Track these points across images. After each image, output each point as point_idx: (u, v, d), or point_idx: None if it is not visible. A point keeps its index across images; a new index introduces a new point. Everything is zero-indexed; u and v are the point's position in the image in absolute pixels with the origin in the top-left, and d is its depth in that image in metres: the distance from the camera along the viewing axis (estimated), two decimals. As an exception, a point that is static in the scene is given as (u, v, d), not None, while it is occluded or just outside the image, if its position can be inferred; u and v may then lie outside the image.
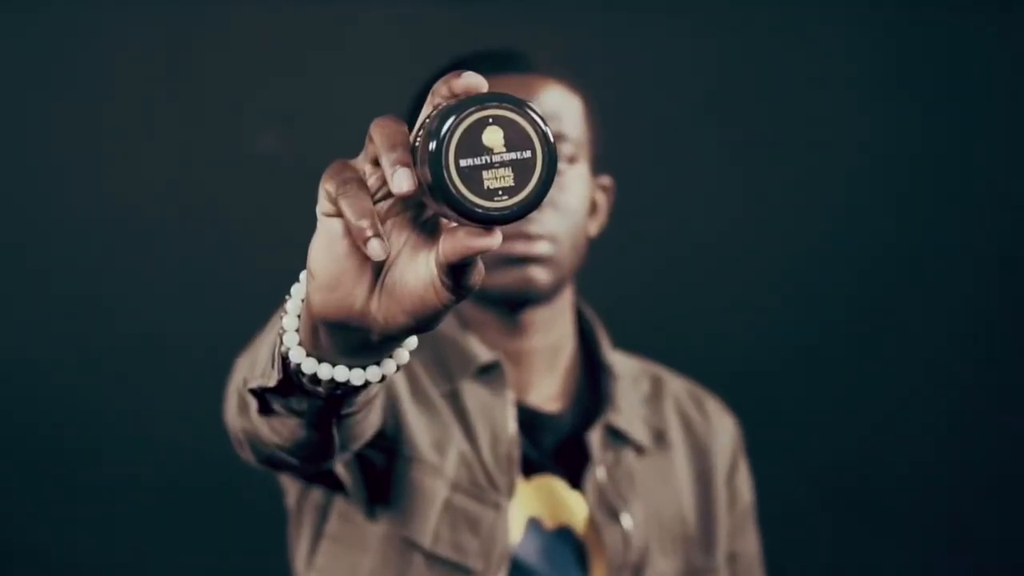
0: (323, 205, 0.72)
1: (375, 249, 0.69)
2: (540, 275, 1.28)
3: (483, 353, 1.32)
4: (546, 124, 0.69)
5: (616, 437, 1.34)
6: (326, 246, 0.72)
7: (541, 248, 1.28)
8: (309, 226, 0.74)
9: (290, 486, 1.30)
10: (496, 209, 0.68)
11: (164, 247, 1.94)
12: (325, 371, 0.78)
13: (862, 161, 2.07)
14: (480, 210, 0.68)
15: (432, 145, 0.68)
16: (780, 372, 2.07)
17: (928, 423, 2.08)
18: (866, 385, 2.08)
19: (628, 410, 1.37)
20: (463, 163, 0.67)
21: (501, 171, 0.68)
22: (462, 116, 0.68)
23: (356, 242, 0.69)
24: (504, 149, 0.68)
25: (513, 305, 1.31)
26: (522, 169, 0.69)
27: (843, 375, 2.07)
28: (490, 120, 0.68)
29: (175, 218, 1.93)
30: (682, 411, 1.42)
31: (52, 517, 1.90)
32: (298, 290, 0.79)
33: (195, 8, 1.94)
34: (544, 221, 1.28)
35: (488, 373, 1.32)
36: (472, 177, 0.68)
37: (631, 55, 2.04)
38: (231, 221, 1.94)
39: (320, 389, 0.80)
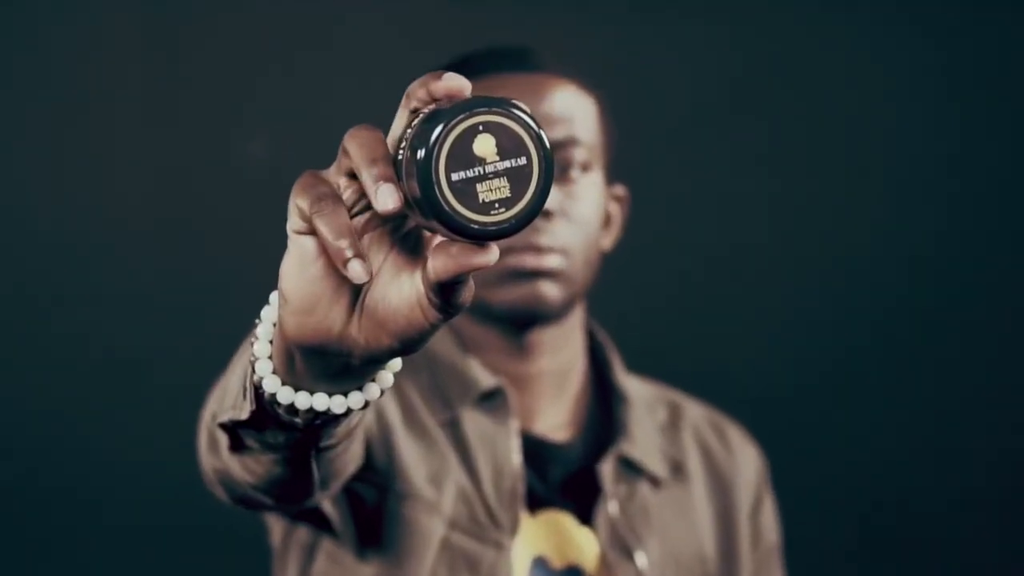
0: (294, 222, 0.72)
1: (356, 271, 0.68)
2: (550, 291, 1.29)
3: (485, 378, 1.32)
4: (540, 127, 0.69)
5: (630, 468, 1.35)
6: (299, 267, 0.72)
7: (552, 262, 1.29)
8: None
9: (274, 524, 1.30)
10: (493, 224, 0.68)
11: (140, 265, 1.94)
12: (303, 400, 0.77)
13: (899, 166, 2.08)
14: (476, 226, 0.68)
15: (420, 159, 0.67)
16: (809, 398, 2.08)
17: (972, 451, 2.09)
18: (903, 411, 2.09)
19: (643, 439, 1.37)
20: (455, 177, 0.67)
21: (496, 182, 0.68)
22: (450, 125, 0.67)
23: (335, 263, 0.69)
24: (497, 158, 0.68)
25: (520, 324, 1.32)
26: (518, 178, 0.68)
27: (878, 400, 2.08)
28: (480, 128, 0.67)
29: (151, 233, 1.94)
30: (702, 440, 1.42)
31: (13, 558, 1.91)
32: (269, 313, 0.78)
33: (175, 5, 1.95)
34: (555, 232, 1.29)
35: (490, 400, 1.32)
36: (465, 191, 0.67)
37: (645, 51, 2.05)
38: (214, 236, 1.95)
39: (298, 420, 0.79)
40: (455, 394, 1.32)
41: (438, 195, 0.67)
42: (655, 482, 1.35)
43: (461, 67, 1.32)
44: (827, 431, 2.08)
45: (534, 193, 0.69)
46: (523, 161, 0.69)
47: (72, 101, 1.93)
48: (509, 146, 0.68)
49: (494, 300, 1.30)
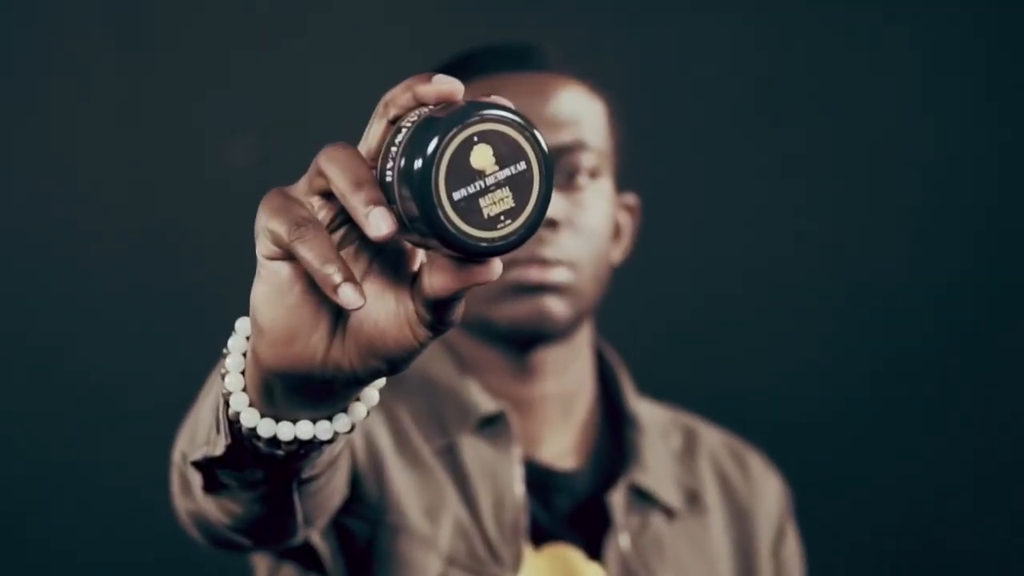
0: (266, 247, 0.71)
1: (350, 297, 0.69)
2: (556, 306, 1.29)
3: (485, 402, 1.32)
4: (533, 125, 0.69)
5: (642, 499, 1.35)
6: (275, 295, 0.72)
7: (558, 275, 1.29)
8: None
9: (259, 563, 1.30)
10: (501, 238, 0.69)
11: (110, 281, 1.94)
12: (286, 431, 0.78)
13: (937, 174, 2.08)
14: (485, 244, 0.69)
15: (416, 179, 0.68)
16: (838, 424, 2.08)
17: (1015, 485, 2.08)
18: (939, 440, 2.09)
19: (656, 467, 1.37)
20: (457, 196, 0.68)
21: (498, 193, 0.69)
22: (445, 141, 0.68)
23: (323, 289, 0.69)
24: (497, 167, 0.68)
25: (523, 342, 1.32)
26: (519, 185, 0.69)
27: (913, 429, 2.08)
28: (475, 139, 0.68)
29: (123, 246, 1.94)
30: (720, 469, 1.43)
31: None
32: (237, 343, 0.78)
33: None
34: (562, 244, 1.29)
35: (491, 426, 1.32)
36: (470, 209, 0.68)
37: (660, 48, 2.06)
38: (191, 250, 1.95)
39: (279, 451, 0.79)
40: (452, 419, 1.32)
41: (442, 217, 0.68)
42: (669, 513, 1.36)
43: (460, 66, 1.33)
44: (856, 460, 2.08)
45: (538, 198, 0.69)
46: (523, 166, 0.69)
47: (29, 100, 1.94)
48: (506, 152, 0.68)
49: (496, 317, 1.30)
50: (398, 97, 0.71)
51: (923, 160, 2.09)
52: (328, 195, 0.72)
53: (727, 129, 2.07)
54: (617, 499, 1.33)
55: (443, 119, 0.68)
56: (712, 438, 1.45)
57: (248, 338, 0.78)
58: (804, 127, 2.08)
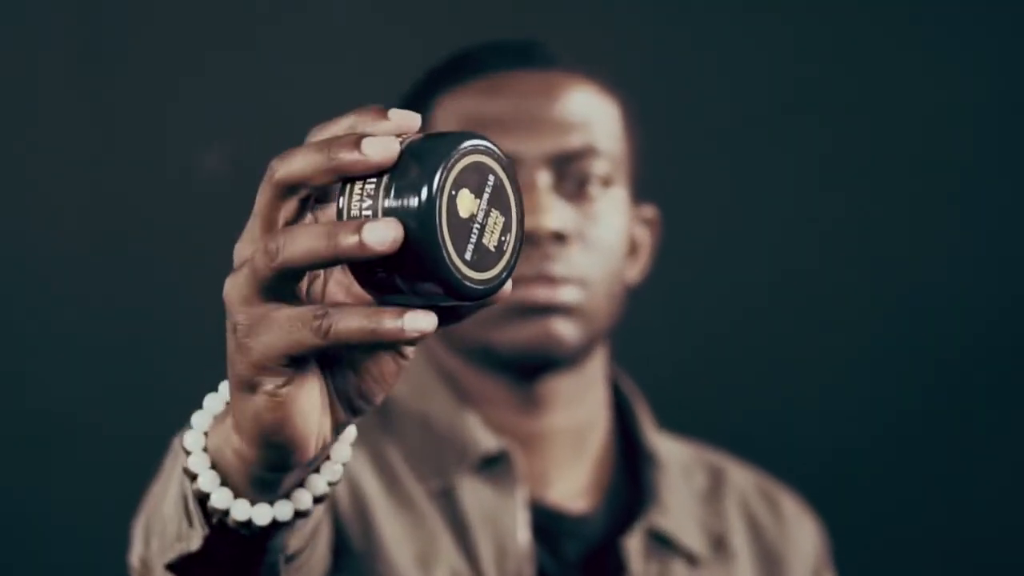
0: (277, 370, 0.73)
1: (425, 322, 0.71)
2: (565, 330, 1.29)
3: (486, 439, 1.32)
4: (467, 134, 0.71)
5: (661, 544, 1.35)
6: (305, 405, 0.75)
7: (567, 295, 1.29)
8: None
9: None
10: (509, 256, 0.73)
11: (68, 297, 1.93)
12: (263, 514, 0.79)
13: (987, 187, 2.07)
14: (505, 275, 0.73)
15: (427, 261, 0.70)
16: (880, 464, 2.06)
17: None
18: (994, 482, 2.08)
19: (678, 509, 1.37)
20: (468, 256, 0.71)
21: (491, 219, 0.72)
22: (437, 212, 0.70)
23: (385, 342, 0.71)
24: (479, 200, 0.71)
25: (529, 371, 1.32)
26: (500, 196, 0.72)
27: (965, 469, 2.07)
28: (453, 193, 0.70)
29: (84, 258, 1.93)
30: (749, 511, 1.43)
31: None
32: (202, 421, 0.80)
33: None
34: (571, 260, 1.30)
35: (492, 465, 1.32)
36: (480, 257, 0.71)
37: (682, 44, 2.06)
38: (161, 264, 1.94)
39: (253, 530, 0.81)
40: (450, 458, 1.32)
41: (468, 285, 0.71)
42: (692, 560, 1.36)
43: (458, 65, 1.34)
44: (901, 504, 2.07)
45: (514, 191, 0.73)
46: (492, 178, 0.71)
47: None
48: (478, 180, 0.71)
49: (498, 342, 1.30)
50: (343, 151, 0.71)
51: (971, 171, 2.09)
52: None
53: (756, 135, 2.07)
54: (633, 545, 1.32)
55: (418, 208, 0.70)
56: (740, 478, 1.45)
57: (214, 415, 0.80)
58: (841, 134, 2.08)
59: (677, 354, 2.00)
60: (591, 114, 1.31)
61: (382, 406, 1.27)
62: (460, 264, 0.70)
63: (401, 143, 0.71)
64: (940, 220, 2.08)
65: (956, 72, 2.08)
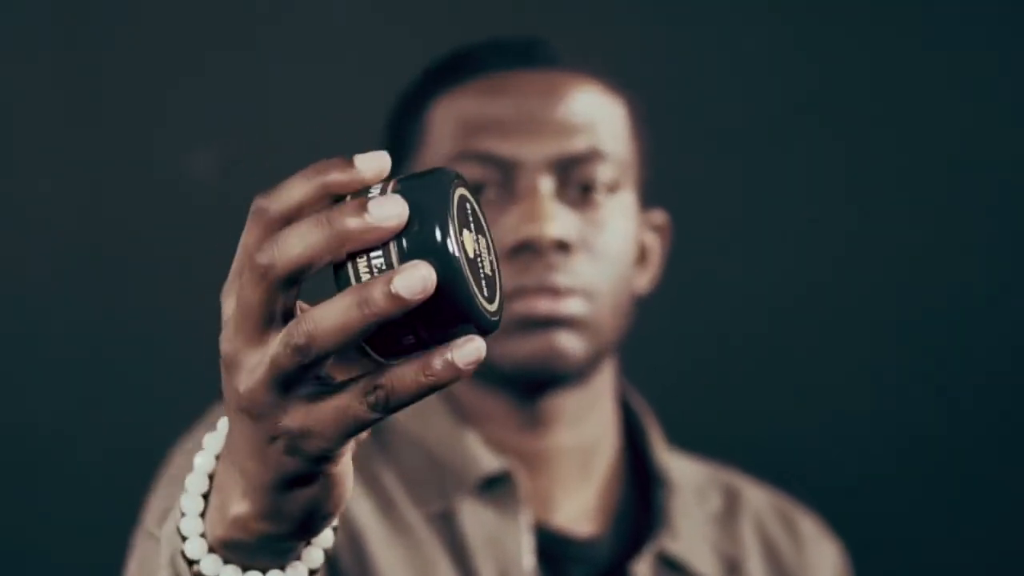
0: (348, 434, 0.72)
1: (479, 348, 0.71)
2: (570, 343, 1.29)
3: (487, 459, 1.32)
4: (447, 169, 0.72)
5: (672, 569, 1.35)
6: (339, 492, 0.76)
7: (571, 307, 1.29)
8: None
9: None
10: (499, 278, 0.75)
11: (43, 313, 1.92)
12: None
13: (1020, 196, 2.07)
14: (503, 296, 0.75)
15: (461, 307, 0.71)
16: (904, 484, 2.05)
17: None
18: (1019, 502, 2.07)
19: (690, 532, 1.37)
20: (484, 291, 0.72)
21: (482, 247, 0.73)
22: (463, 258, 0.71)
23: (452, 381, 0.71)
24: (472, 232, 0.72)
25: (532, 387, 1.33)
26: (478, 221, 0.74)
27: (992, 490, 2.06)
28: (462, 236, 0.71)
29: (60, 272, 1.92)
30: (765, 534, 1.43)
31: None
32: (197, 484, 0.81)
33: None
34: (575, 270, 1.29)
35: (495, 487, 1.32)
36: (489, 289, 0.73)
37: (692, 41, 2.05)
38: (144, 278, 1.93)
39: None
40: (449, 480, 1.32)
41: (493, 321, 0.73)
42: None
43: (456, 64, 1.34)
44: (925, 526, 2.06)
45: (482, 211, 0.74)
46: (470, 206, 0.73)
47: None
48: (466, 213, 0.72)
49: (499, 357, 1.30)
50: (311, 255, 0.69)
51: (998, 176, 2.08)
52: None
53: (771, 137, 2.07)
54: (642, 570, 1.32)
55: (444, 260, 0.70)
56: (756, 498, 1.45)
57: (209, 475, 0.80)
58: (860, 136, 2.08)
59: (690, 368, 2.00)
60: (596, 115, 1.31)
61: (376, 426, 1.26)
62: (483, 301, 0.71)
63: (381, 193, 0.70)
64: (967, 227, 2.07)
65: (987, 76, 2.08)
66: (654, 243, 1.39)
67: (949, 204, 2.07)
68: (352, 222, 0.68)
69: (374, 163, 0.70)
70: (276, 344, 0.70)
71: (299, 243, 0.68)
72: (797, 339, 2.05)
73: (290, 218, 0.69)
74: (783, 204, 2.06)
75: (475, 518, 1.30)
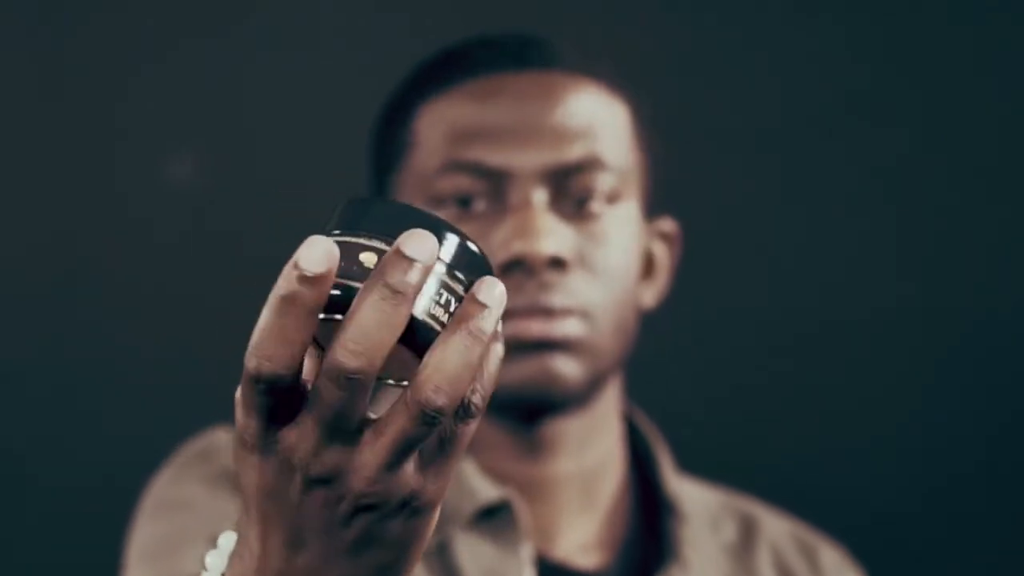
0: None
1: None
2: (566, 367, 1.29)
3: (484, 488, 1.32)
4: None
5: None
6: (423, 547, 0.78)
7: (567, 328, 1.29)
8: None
9: None
10: None
11: (15, 334, 1.92)
12: None
13: None
14: None
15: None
16: (935, 516, 2.05)
17: None
18: None
19: (701, 565, 1.37)
20: None
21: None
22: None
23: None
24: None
25: (529, 413, 1.33)
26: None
27: (1018, 528, 2.05)
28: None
29: (24, 291, 1.92)
30: (784, 566, 1.43)
31: None
32: (218, 563, 0.82)
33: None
34: (571, 288, 1.29)
35: (493, 517, 1.32)
36: None
37: (708, 36, 2.04)
38: (117, 296, 1.92)
39: None
40: (445, 510, 1.30)
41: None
42: None
43: (447, 64, 1.34)
44: (953, 563, 2.06)
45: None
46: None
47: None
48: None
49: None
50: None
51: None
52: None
53: (799, 140, 2.06)
54: None
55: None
56: (776, 528, 1.45)
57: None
58: (902, 141, 2.06)
59: (702, 388, 2.00)
60: (595, 120, 1.31)
61: None
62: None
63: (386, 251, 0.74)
64: (1015, 246, 2.07)
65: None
66: (662, 253, 1.39)
67: (996, 222, 2.06)
68: (402, 275, 0.72)
69: (320, 257, 0.71)
70: (319, 384, 0.72)
71: (376, 329, 0.72)
72: (822, 360, 2.05)
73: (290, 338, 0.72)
74: (811, 213, 2.05)
75: (472, 551, 1.30)
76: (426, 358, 0.72)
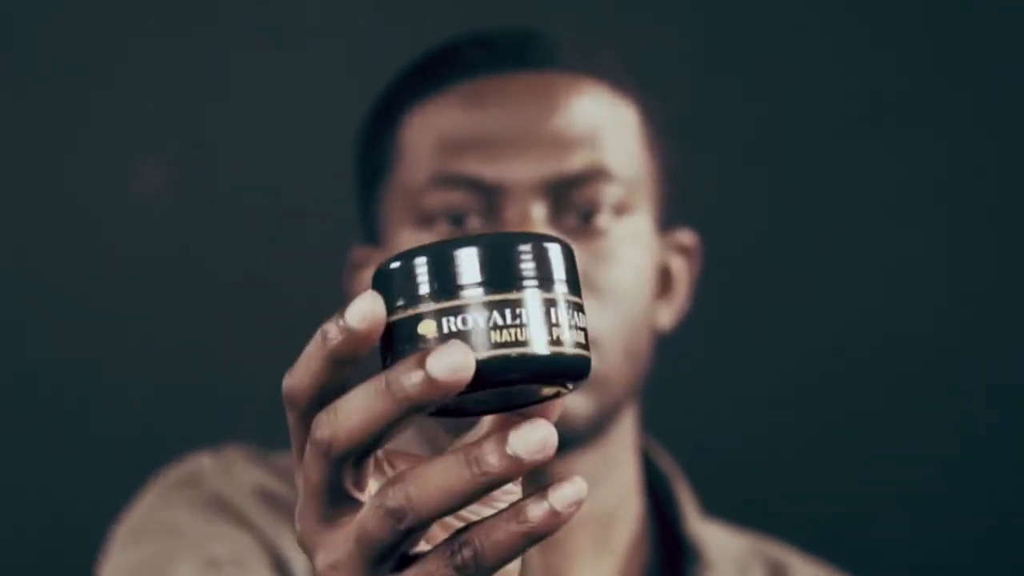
0: None
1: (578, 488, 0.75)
2: (572, 402, 1.29)
3: None
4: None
5: None
6: None
7: None
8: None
9: None
10: None
11: None
12: None
13: None
14: None
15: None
16: (979, 565, 2.04)
17: None
18: None
19: None
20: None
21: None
22: None
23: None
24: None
25: None
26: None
27: None
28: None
29: None
30: None
31: None
32: None
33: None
34: None
35: None
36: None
37: (730, 34, 2.04)
38: (78, 318, 1.93)
39: None
40: None
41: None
42: None
43: (432, 66, 1.34)
44: None
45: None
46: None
47: None
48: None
49: None
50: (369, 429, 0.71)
51: None
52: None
53: (836, 146, 2.06)
54: None
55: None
56: (808, 574, 1.44)
57: None
58: (953, 149, 2.06)
59: (729, 419, 1.99)
60: (599, 124, 1.31)
61: None
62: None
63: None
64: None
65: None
66: (680, 268, 1.38)
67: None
68: (412, 383, 0.70)
69: (365, 314, 0.71)
70: (365, 512, 0.72)
71: (358, 413, 0.71)
72: (864, 390, 2.04)
73: (321, 400, 0.72)
74: (857, 229, 2.04)
75: (477, 600, 1.30)
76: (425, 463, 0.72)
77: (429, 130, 1.31)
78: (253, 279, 1.85)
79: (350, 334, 0.70)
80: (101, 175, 1.96)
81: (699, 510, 1.42)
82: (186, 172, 1.96)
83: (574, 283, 0.75)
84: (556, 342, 0.72)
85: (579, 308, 0.75)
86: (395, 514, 0.71)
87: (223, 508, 1.31)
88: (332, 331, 0.71)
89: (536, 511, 0.71)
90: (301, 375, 0.72)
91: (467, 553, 0.71)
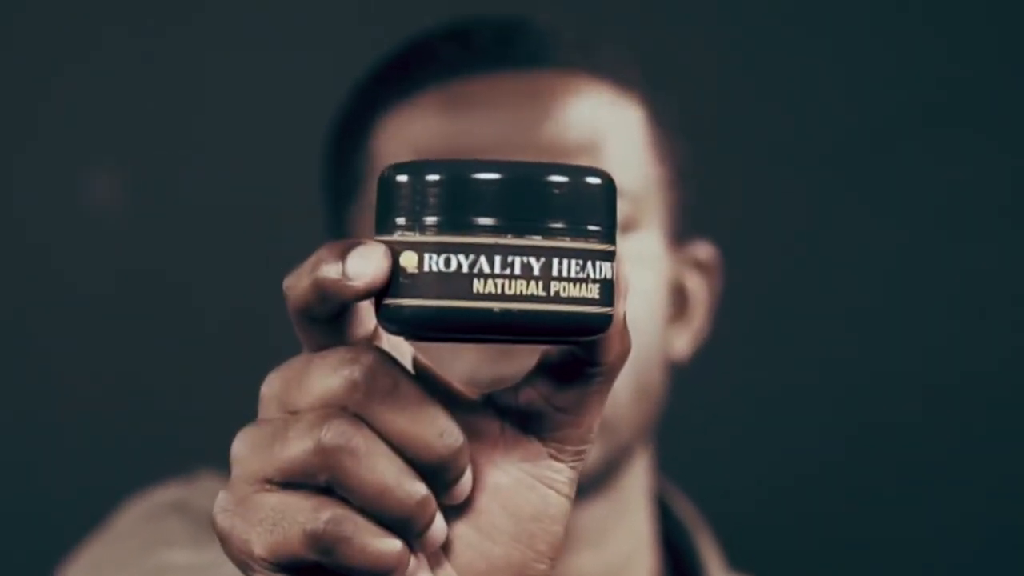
0: None
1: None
2: None
3: None
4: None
5: None
6: None
7: None
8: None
9: None
10: None
11: None
12: None
13: None
14: None
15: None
16: None
17: None
18: None
19: None
20: None
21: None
22: None
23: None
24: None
25: None
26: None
27: None
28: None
29: None
30: None
31: None
32: None
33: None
34: None
35: None
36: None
37: (754, 30, 2.05)
38: (27, 341, 1.95)
39: None
40: None
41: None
42: None
43: (408, 64, 1.34)
44: None
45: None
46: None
47: None
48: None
49: None
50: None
51: None
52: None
53: (877, 150, 2.05)
54: None
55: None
56: None
57: None
58: (1005, 154, 2.06)
59: (757, 463, 2.00)
60: (600, 131, 1.31)
61: None
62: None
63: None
64: None
65: None
66: (698, 287, 1.39)
67: None
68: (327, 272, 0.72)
69: (366, 268, 0.72)
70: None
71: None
72: (909, 434, 2.04)
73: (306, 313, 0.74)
74: (903, 239, 2.05)
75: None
76: None
77: (403, 140, 1.31)
78: (220, 298, 1.88)
79: (345, 286, 0.71)
80: (48, 187, 1.98)
81: (723, 564, 1.43)
82: (138, 183, 1.98)
83: (601, 227, 0.75)
84: (553, 298, 0.73)
85: (602, 256, 0.75)
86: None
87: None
88: (331, 272, 0.71)
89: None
90: (295, 281, 0.73)
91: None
